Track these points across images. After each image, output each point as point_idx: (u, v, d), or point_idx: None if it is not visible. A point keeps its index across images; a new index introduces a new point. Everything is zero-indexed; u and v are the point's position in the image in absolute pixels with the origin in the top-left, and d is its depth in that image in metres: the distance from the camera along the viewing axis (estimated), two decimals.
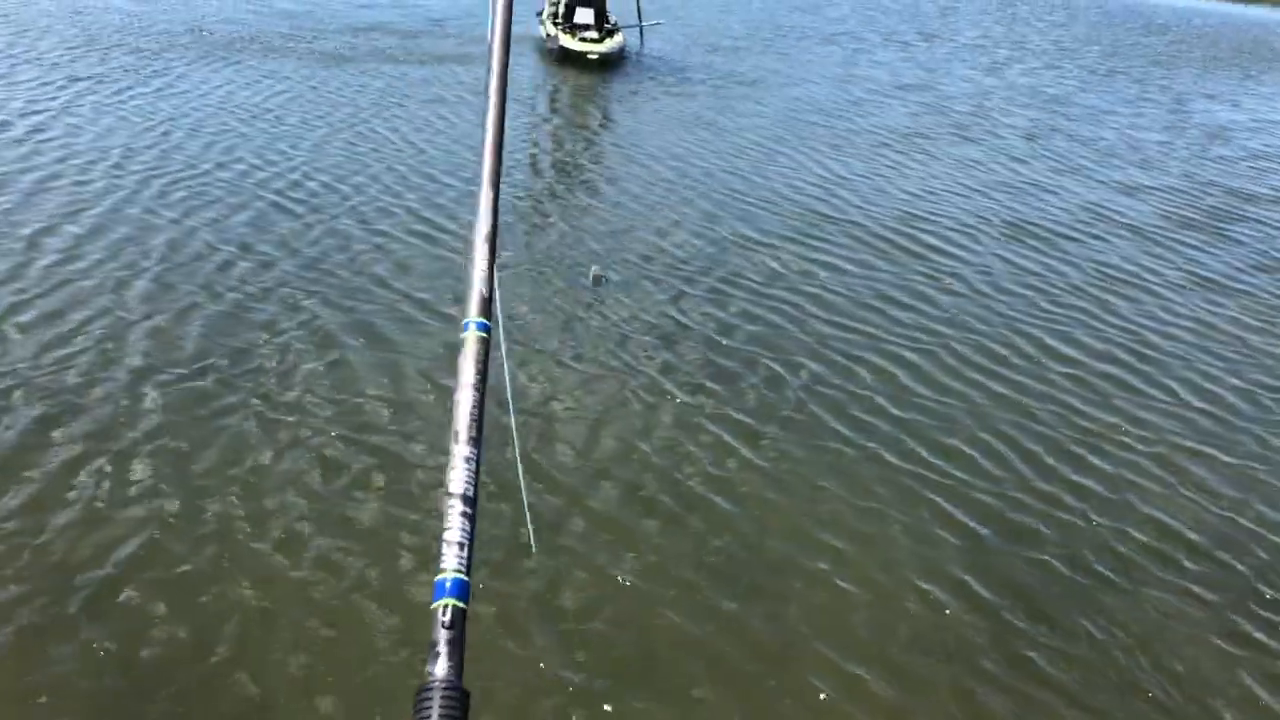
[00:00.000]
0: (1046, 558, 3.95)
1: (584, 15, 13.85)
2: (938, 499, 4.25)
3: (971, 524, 4.11)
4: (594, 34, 13.32)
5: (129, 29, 12.05)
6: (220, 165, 7.48)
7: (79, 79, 9.47)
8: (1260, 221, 8.92)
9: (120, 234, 6.06)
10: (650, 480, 4.21)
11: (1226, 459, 4.83)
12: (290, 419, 4.32)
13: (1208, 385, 5.60)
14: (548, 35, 13.54)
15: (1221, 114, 14.30)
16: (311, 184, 7.28)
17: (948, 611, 3.62)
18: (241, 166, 7.50)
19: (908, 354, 5.56)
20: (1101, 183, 9.66)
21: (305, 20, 13.85)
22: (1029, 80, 15.48)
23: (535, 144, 9.52)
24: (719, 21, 18.35)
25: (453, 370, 1.06)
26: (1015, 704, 3.25)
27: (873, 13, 22.91)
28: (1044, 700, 3.28)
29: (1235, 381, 5.68)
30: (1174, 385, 5.54)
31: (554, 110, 11.14)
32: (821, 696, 3.20)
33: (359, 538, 3.65)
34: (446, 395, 4.60)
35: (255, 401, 4.42)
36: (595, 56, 12.98)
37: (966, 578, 3.79)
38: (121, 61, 10.37)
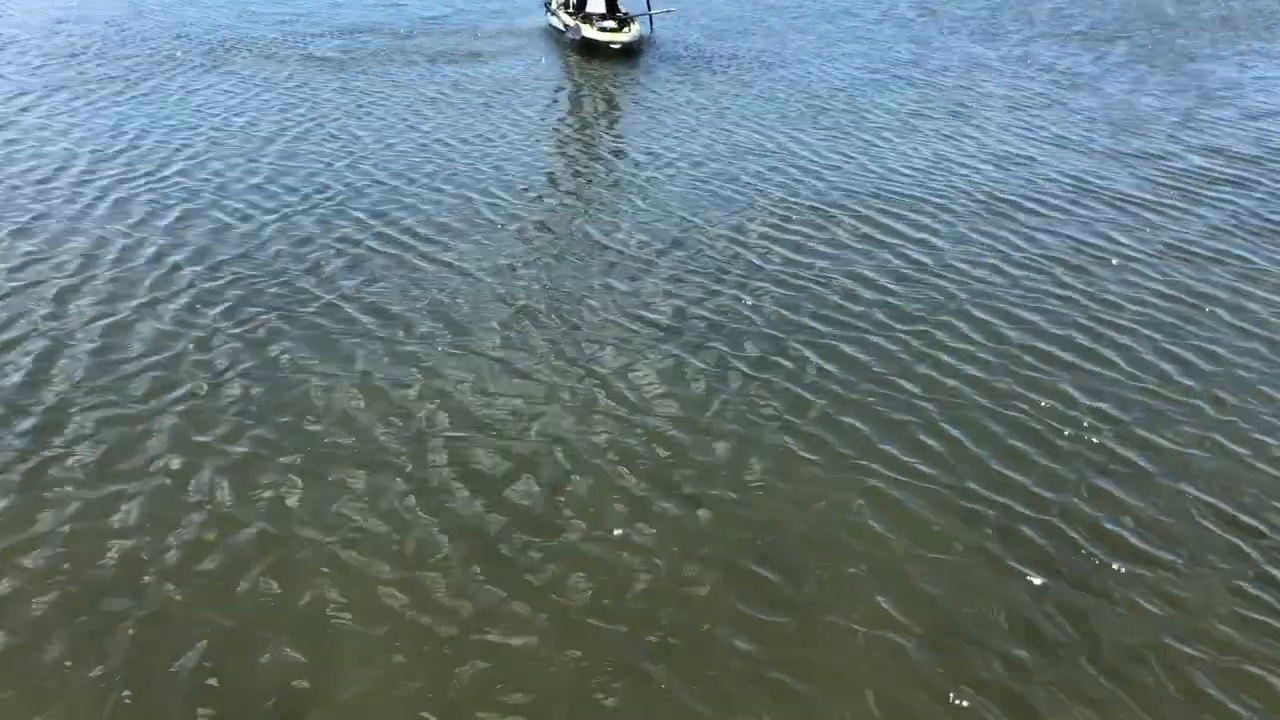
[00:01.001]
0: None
1: (595, 4, 13.78)
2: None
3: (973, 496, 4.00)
4: (612, 23, 13.23)
5: (110, 38, 12.04)
6: (182, 171, 7.45)
7: (55, 90, 9.46)
8: (1252, 184, 8.72)
9: (72, 243, 6.03)
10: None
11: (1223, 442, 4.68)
12: (221, 422, 4.26)
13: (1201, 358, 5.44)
14: (566, 26, 13.49)
15: (1223, 76, 13.98)
16: (274, 187, 7.22)
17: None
18: (203, 173, 7.46)
19: (866, 338, 5.43)
20: (1088, 151, 9.47)
21: (296, 25, 13.78)
22: (1025, 50, 15.23)
23: (561, 136, 9.43)
24: (721, 5, 18.14)
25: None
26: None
27: None
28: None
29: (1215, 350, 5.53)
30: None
31: (578, 99, 11.06)
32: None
33: (296, 520, 3.60)
34: (383, 404, 4.54)
35: (180, 409, 4.37)
36: (618, 46, 12.93)
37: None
38: (101, 71, 10.36)
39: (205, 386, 4.63)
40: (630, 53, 12.89)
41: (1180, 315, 5.99)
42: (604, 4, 13.74)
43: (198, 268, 5.86)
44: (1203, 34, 18.14)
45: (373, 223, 6.69)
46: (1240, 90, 12.98)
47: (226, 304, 5.43)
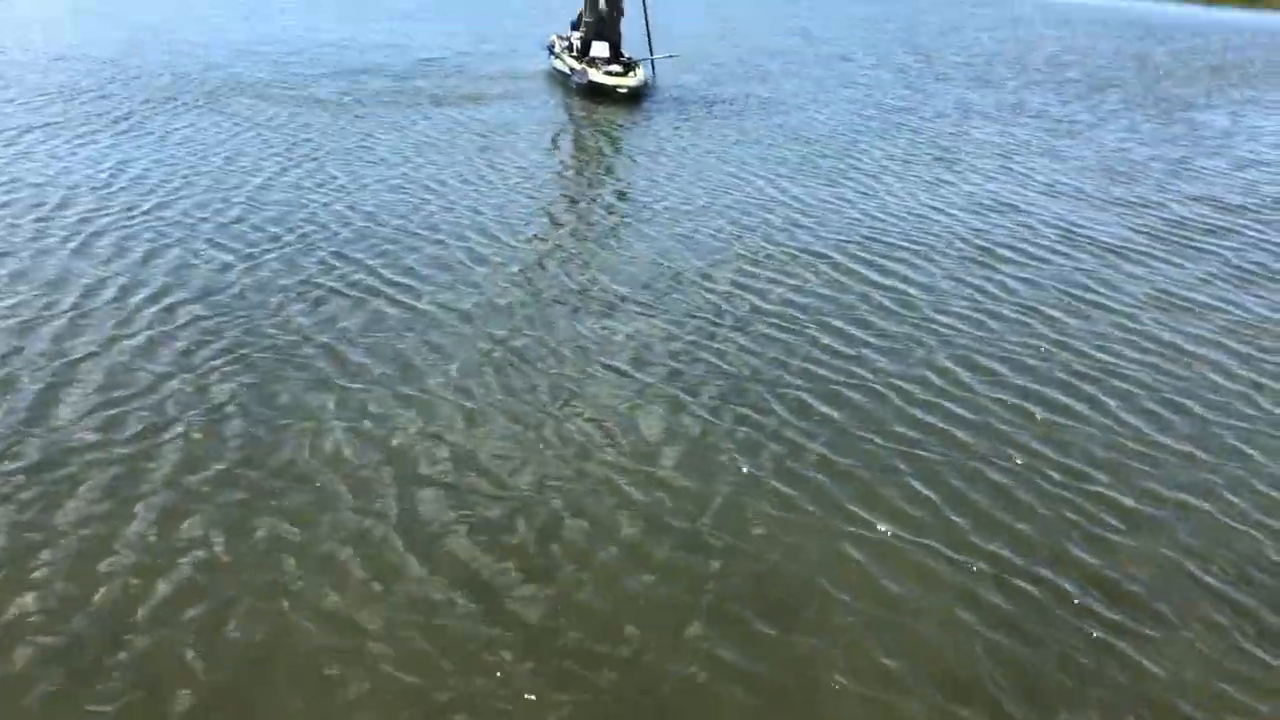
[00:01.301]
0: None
1: (599, 49, 13.88)
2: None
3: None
4: (618, 68, 13.31)
5: (105, 76, 12.03)
6: (158, 209, 7.36)
7: (42, 127, 9.43)
8: (1239, 232, 8.65)
9: (36, 281, 5.95)
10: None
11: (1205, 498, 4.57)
12: (151, 478, 4.16)
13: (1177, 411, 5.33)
14: (571, 70, 13.50)
15: (1213, 124, 13.99)
16: (248, 228, 7.13)
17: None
18: (178, 211, 7.36)
19: (850, 392, 5.33)
20: (1076, 198, 9.42)
21: (295, 65, 13.80)
22: (1018, 98, 15.25)
23: (551, 179, 9.31)
24: (718, 50, 18.27)
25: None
26: None
27: (862, 34, 22.78)
28: None
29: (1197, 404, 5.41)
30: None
31: (573, 143, 10.97)
32: None
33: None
34: (359, 451, 4.44)
35: (128, 450, 4.27)
36: (624, 90, 12.96)
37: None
38: (91, 108, 10.31)
39: (151, 429, 4.51)
40: (635, 97, 12.93)
41: (1163, 368, 5.86)
42: (608, 49, 13.85)
43: (158, 308, 5.75)
44: (1194, 83, 18.22)
45: (348, 266, 6.58)
46: (1230, 139, 12.97)
47: (183, 345, 5.32)
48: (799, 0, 32.29)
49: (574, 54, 14.04)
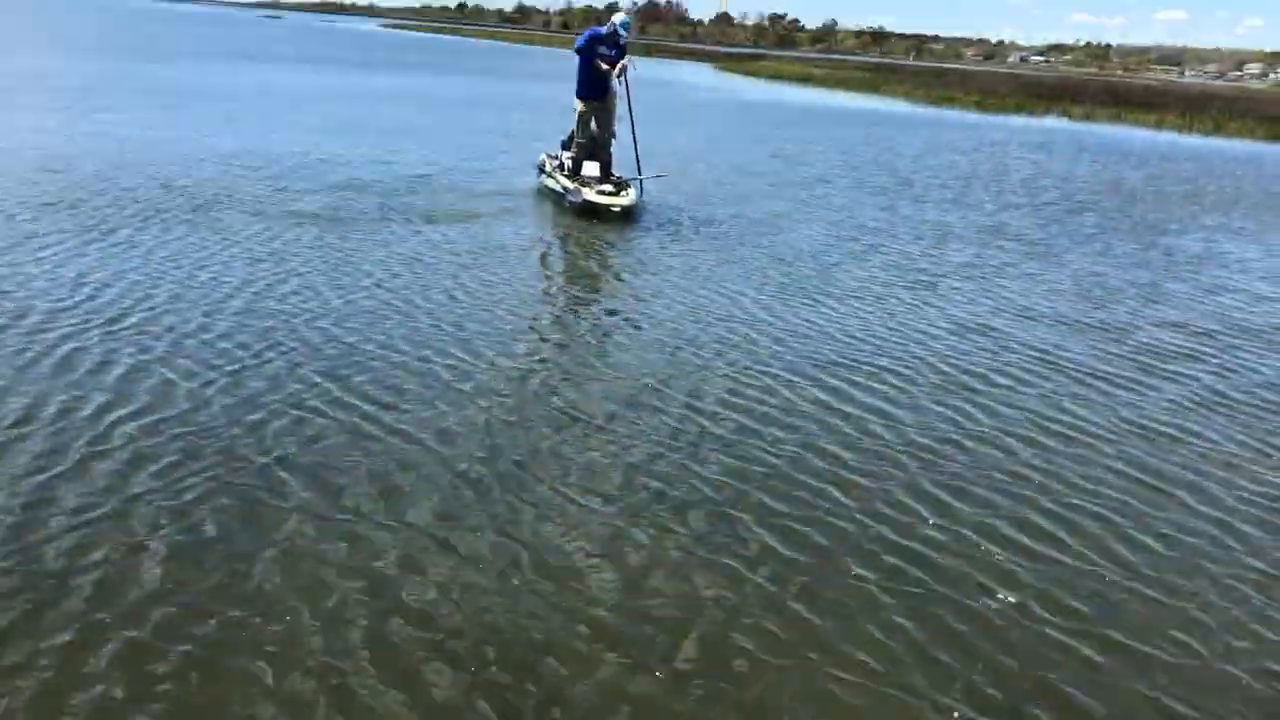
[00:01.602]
0: None
1: (590, 169, 14.21)
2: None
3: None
4: (610, 187, 13.60)
5: (91, 189, 12.11)
6: (137, 326, 7.35)
7: (24, 240, 9.43)
8: (1208, 358, 8.79)
9: (11, 400, 5.93)
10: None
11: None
12: (133, 595, 4.11)
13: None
14: (565, 189, 13.80)
15: (1187, 249, 14.28)
16: (230, 344, 7.13)
17: None
18: (159, 327, 7.35)
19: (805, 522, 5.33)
20: (1051, 322, 9.57)
21: (282, 180, 13.95)
22: (995, 220, 15.55)
23: (532, 297, 9.36)
24: (701, 170, 18.65)
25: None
26: None
27: (841, 155, 23.29)
28: None
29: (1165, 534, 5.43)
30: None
31: (557, 261, 11.07)
32: None
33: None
34: (310, 581, 4.40)
35: (93, 577, 4.22)
36: (618, 209, 13.19)
37: None
38: (74, 221, 10.36)
39: (122, 554, 4.46)
40: (628, 216, 13.18)
41: (1137, 496, 5.90)
42: (599, 169, 14.20)
43: (136, 426, 5.72)
44: (1167, 207, 18.61)
45: (332, 384, 6.58)
46: (1200, 264, 13.23)
47: (160, 466, 5.29)
48: (779, 121, 33.10)
49: (565, 173, 14.35)
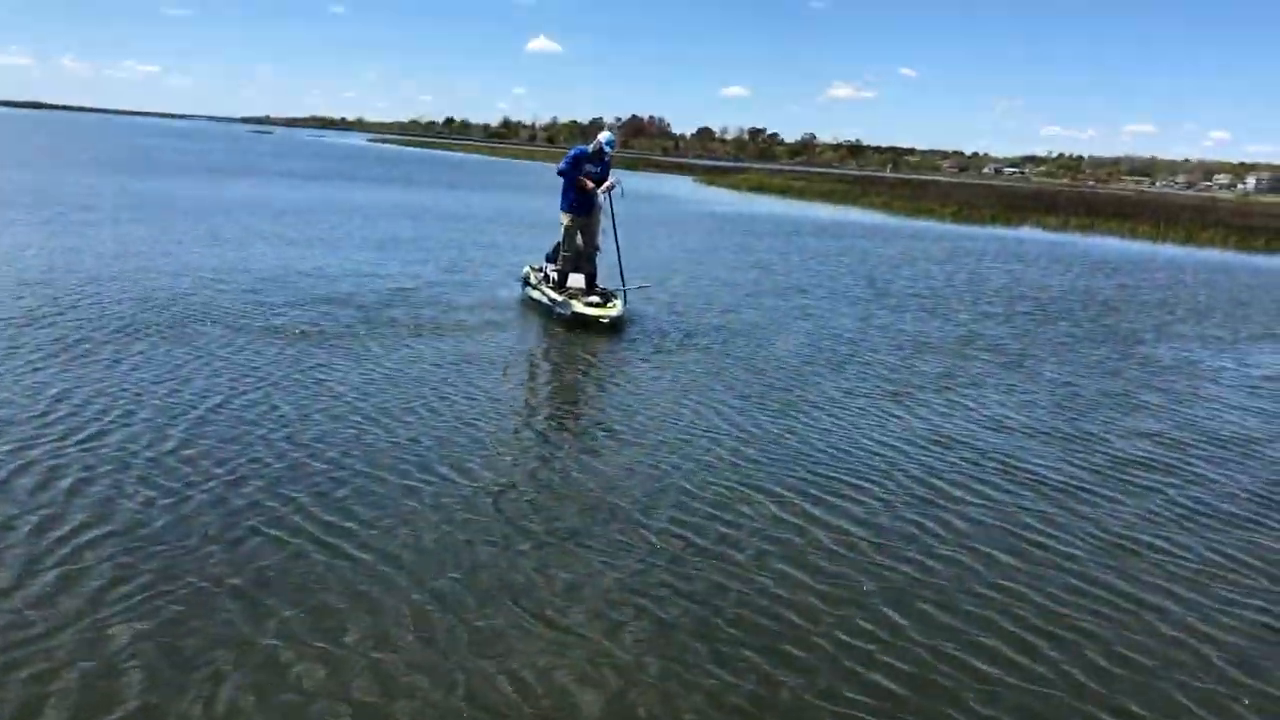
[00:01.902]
0: None
1: (576, 280, 14.55)
2: None
3: None
4: (597, 299, 13.88)
5: (64, 303, 12.20)
6: (87, 441, 7.39)
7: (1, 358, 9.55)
8: (1180, 469, 8.87)
9: None
10: None
11: None
12: None
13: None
14: (553, 301, 14.07)
15: (1158, 359, 14.46)
16: (175, 461, 7.13)
17: None
18: (105, 445, 7.36)
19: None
20: (1021, 433, 9.66)
21: (261, 294, 14.06)
22: (968, 330, 15.75)
23: (519, 408, 9.43)
24: (681, 282, 18.87)
25: None
26: None
27: (818, 265, 23.62)
28: None
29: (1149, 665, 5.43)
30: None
31: (536, 373, 11.10)
32: None
33: None
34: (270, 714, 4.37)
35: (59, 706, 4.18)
36: (607, 320, 13.43)
37: None
38: (40, 337, 10.38)
39: (97, 676, 4.43)
40: (616, 327, 13.40)
41: (1107, 616, 5.90)
42: (584, 281, 14.51)
43: (76, 546, 5.68)
44: (1142, 316, 18.88)
45: (277, 503, 6.54)
46: (1174, 373, 13.38)
47: (135, 586, 5.28)
48: (759, 232, 33.62)
49: (551, 285, 14.61)
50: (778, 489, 7.59)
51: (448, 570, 5.81)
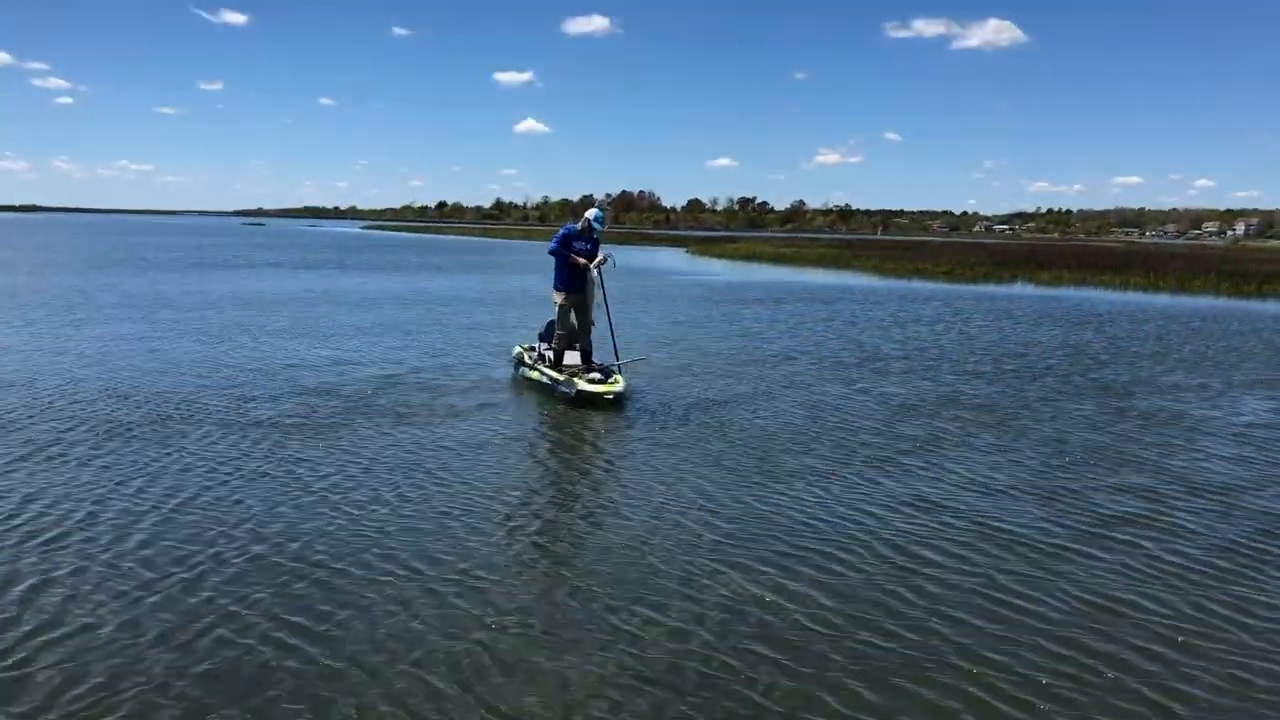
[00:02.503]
0: None
1: (572, 357, 14.66)
2: None
3: None
4: (597, 375, 13.88)
5: (37, 405, 12.15)
6: (47, 544, 7.29)
7: None
8: (1163, 523, 8.73)
9: None
10: None
11: None
12: None
13: None
14: (554, 380, 14.08)
15: (1143, 410, 14.37)
16: (132, 562, 7.02)
17: None
18: (65, 547, 7.25)
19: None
20: (1000, 493, 9.53)
21: (243, 389, 13.98)
22: (953, 390, 15.67)
23: (500, 496, 9.22)
24: (669, 355, 18.83)
25: None
26: None
27: (808, 331, 23.62)
28: None
29: None
30: None
31: (548, 456, 10.90)
32: None
33: None
34: None
35: None
36: (611, 397, 13.45)
37: None
38: (9, 440, 10.37)
39: None
40: (619, 402, 13.40)
41: (1080, 681, 5.76)
42: (580, 357, 14.57)
43: (19, 658, 5.59)
44: (1126, 369, 18.82)
45: (233, 602, 6.43)
46: (1161, 426, 13.27)
47: (34, 703, 5.16)
48: (749, 300, 33.70)
49: (547, 364, 14.69)
50: (752, 563, 7.46)
51: (400, 663, 5.67)
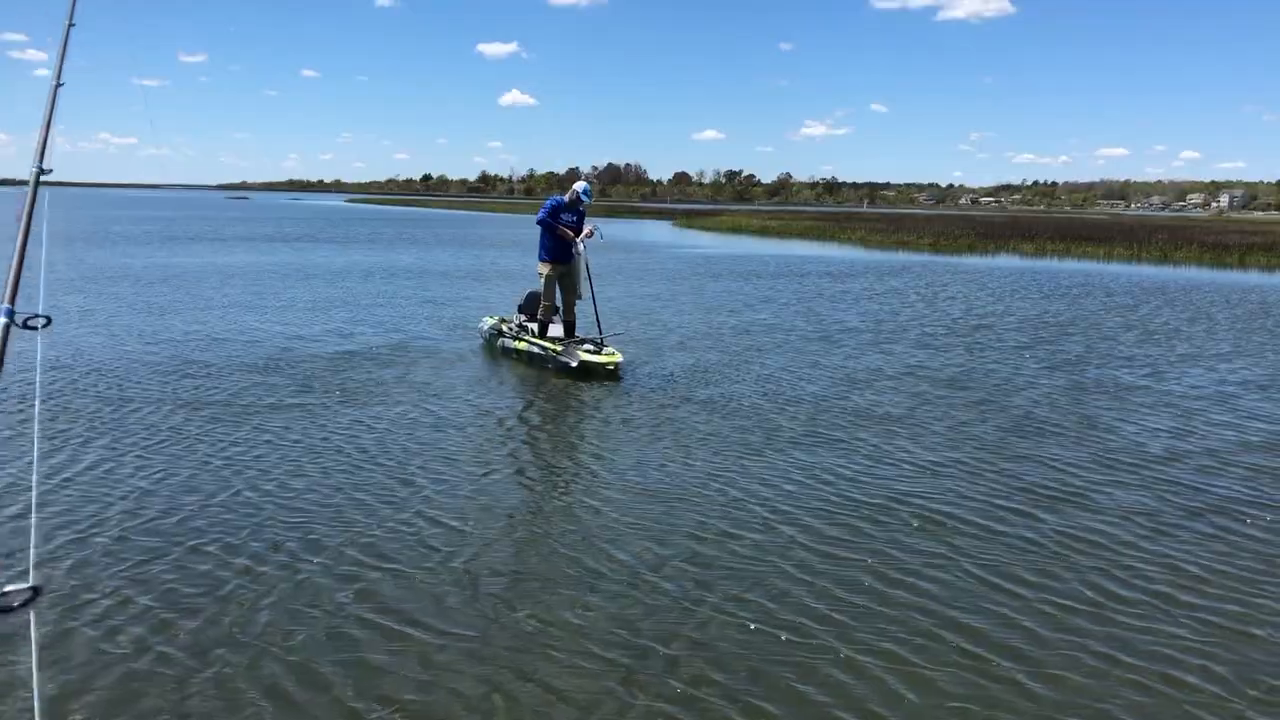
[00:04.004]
0: None
1: (557, 330, 14.65)
2: None
3: None
4: (590, 346, 13.78)
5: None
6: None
7: None
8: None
9: None
10: None
11: None
12: None
13: None
14: (551, 352, 13.91)
15: (1120, 382, 14.18)
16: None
17: None
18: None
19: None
20: (924, 467, 9.34)
21: (188, 368, 13.71)
22: (920, 362, 15.49)
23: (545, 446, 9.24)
24: (661, 328, 18.74)
25: None
26: None
27: (785, 304, 23.40)
28: None
29: None
30: None
31: (527, 426, 10.63)
32: None
33: None
34: None
35: None
36: (612, 367, 13.43)
37: None
38: None
39: None
40: (617, 373, 13.46)
41: (944, 661, 5.56)
42: (564, 330, 14.64)
43: None
44: (1085, 341, 18.61)
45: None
46: (1107, 398, 13.04)
47: None
48: (734, 273, 33.48)
49: (530, 335, 14.63)
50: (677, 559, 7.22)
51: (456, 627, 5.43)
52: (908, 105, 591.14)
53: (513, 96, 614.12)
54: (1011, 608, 6.25)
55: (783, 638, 5.72)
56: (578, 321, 14.86)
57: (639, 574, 6.60)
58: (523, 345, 14.58)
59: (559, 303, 14.70)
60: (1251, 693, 5.22)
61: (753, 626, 5.83)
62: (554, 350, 13.82)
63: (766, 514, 7.97)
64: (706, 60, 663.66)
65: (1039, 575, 6.80)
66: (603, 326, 14.69)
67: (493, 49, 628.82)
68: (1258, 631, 5.98)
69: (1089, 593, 6.52)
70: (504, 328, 15.38)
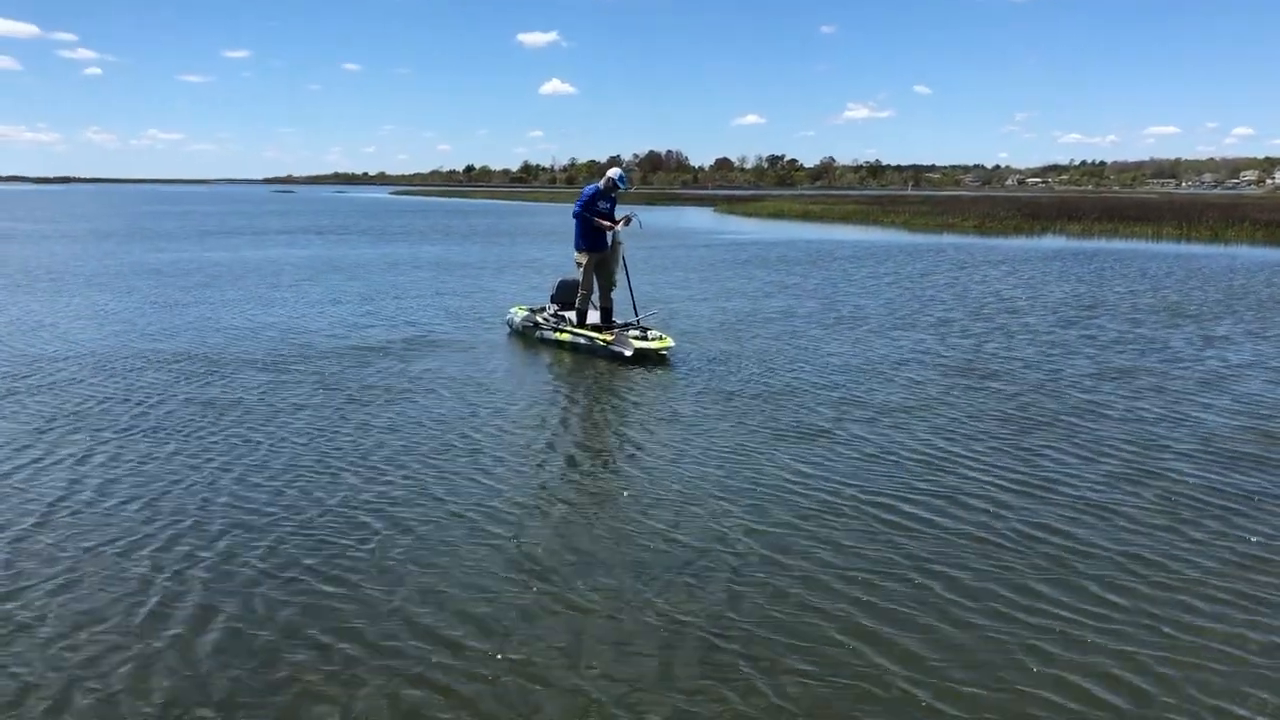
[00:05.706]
0: None
1: (594, 316, 14.69)
2: None
3: None
4: (636, 332, 13.85)
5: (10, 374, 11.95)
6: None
7: None
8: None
9: None
10: None
11: None
12: None
13: None
14: (600, 341, 13.86)
15: (1212, 366, 13.81)
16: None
17: None
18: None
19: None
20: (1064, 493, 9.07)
21: (218, 364, 13.70)
22: (1002, 349, 15.19)
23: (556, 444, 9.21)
24: (698, 313, 18.58)
25: None
26: None
27: (833, 288, 23.11)
28: None
29: None
30: None
31: (567, 413, 10.36)
32: None
33: None
34: None
35: None
36: (665, 352, 13.52)
37: None
38: None
39: None
40: (667, 358, 13.54)
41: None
42: (600, 316, 14.63)
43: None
44: (1168, 318, 18.20)
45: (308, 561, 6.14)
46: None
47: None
48: (775, 260, 33.17)
49: (569, 324, 14.59)
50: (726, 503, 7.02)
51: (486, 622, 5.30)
52: (951, 86, 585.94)
53: (553, 86, 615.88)
54: (1126, 610, 6.00)
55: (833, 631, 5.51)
56: (614, 307, 14.76)
57: (702, 563, 6.41)
58: (566, 336, 14.46)
59: (596, 289, 14.65)
60: None
61: (806, 614, 5.63)
62: (603, 340, 13.72)
63: (827, 497, 7.77)
64: (746, 45, 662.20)
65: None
66: (638, 309, 14.70)
67: (532, 38, 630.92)
68: None
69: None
70: (539, 319, 15.23)
